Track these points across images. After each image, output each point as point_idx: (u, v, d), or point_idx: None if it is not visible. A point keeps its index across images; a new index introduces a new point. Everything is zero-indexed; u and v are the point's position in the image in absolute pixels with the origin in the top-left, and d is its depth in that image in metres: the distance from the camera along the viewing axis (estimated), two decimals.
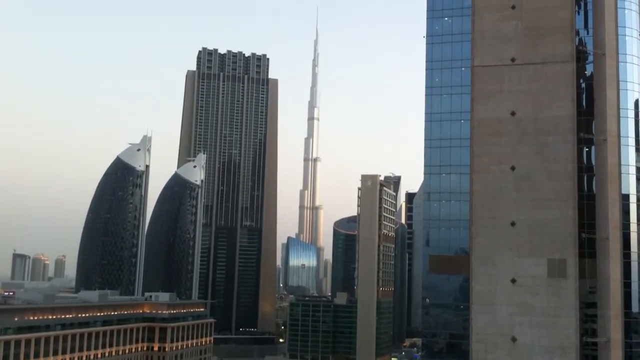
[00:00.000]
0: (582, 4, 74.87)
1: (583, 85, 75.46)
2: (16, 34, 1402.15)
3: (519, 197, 75.19)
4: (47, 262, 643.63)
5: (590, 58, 74.75)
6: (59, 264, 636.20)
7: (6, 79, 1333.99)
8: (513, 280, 75.71)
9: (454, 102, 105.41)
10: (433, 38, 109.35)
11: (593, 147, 74.97)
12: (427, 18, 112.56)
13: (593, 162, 75.54)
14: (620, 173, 74.43)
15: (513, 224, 75.51)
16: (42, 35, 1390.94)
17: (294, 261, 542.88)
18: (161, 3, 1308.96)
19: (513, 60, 74.68)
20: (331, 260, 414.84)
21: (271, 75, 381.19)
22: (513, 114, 74.86)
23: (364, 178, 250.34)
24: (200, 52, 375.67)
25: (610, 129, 72.78)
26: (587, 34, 74.96)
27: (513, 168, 75.04)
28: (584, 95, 75.35)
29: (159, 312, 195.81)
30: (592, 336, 75.12)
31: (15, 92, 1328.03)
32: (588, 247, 74.52)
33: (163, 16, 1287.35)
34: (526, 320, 75.83)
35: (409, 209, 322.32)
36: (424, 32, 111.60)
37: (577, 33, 74.34)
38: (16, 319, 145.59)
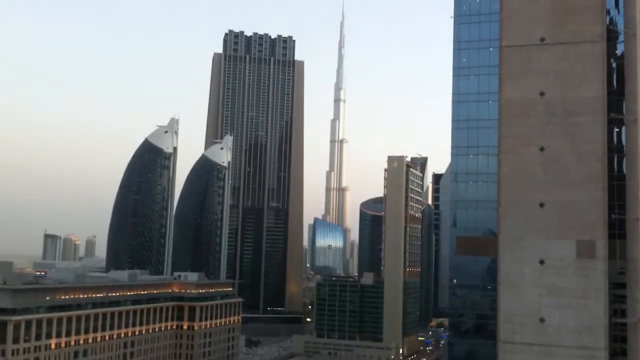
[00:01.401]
0: None
1: (614, 65, 74.23)
2: (43, 18, 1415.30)
3: (547, 178, 74.48)
4: (77, 242, 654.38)
5: (621, 38, 73.50)
6: (90, 245, 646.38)
7: (38, 61, 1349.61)
8: (541, 262, 75.29)
9: (481, 82, 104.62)
10: (461, 18, 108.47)
11: (623, 128, 74.05)
12: None
13: (623, 142, 74.62)
14: None
15: (542, 205, 74.89)
16: (70, 20, 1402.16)
17: (321, 242, 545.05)
18: None
19: (542, 40, 73.54)
20: (358, 241, 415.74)
21: (297, 57, 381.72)
22: (542, 94, 73.87)
23: (390, 159, 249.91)
24: (226, 34, 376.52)
25: None
26: (618, 13, 73.70)
27: (542, 149, 74.26)
28: (615, 75, 74.22)
29: (188, 291, 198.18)
30: (621, 317, 74.66)
31: (40, 77, 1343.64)
32: (619, 228, 73.82)
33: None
34: (554, 302, 75.46)
35: (436, 190, 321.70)
36: (451, 12, 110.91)
37: (608, 12, 73.11)
38: (48, 298, 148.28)
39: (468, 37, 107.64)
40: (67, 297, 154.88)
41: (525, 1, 74.47)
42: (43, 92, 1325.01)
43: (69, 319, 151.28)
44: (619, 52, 74.27)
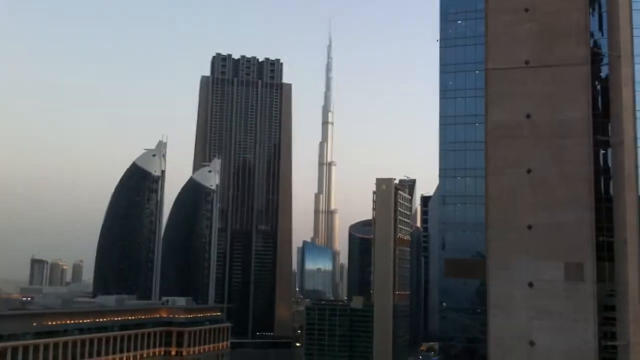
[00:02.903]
0: (597, 6, 74.32)
1: (599, 87, 74.76)
2: (25, 42, 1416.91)
3: (535, 200, 74.51)
4: (65, 267, 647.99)
5: (606, 60, 74.10)
6: (77, 269, 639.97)
7: (18, 86, 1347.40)
8: (530, 284, 75.02)
9: (468, 105, 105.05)
10: (446, 41, 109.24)
11: (609, 150, 74.33)
12: (441, 21, 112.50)
13: (610, 164, 74.85)
14: (637, 175, 73.60)
15: (530, 227, 74.80)
16: (55, 41, 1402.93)
17: (310, 265, 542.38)
18: (175, 9, 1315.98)
19: (527, 62, 74.03)
20: (347, 264, 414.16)
21: (285, 80, 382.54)
22: (528, 116, 74.21)
23: (379, 182, 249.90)
24: (214, 57, 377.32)
25: (626, 131, 72.03)
26: (602, 35, 74.37)
27: (529, 171, 74.38)
28: (600, 98, 74.73)
29: (176, 316, 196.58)
30: (611, 339, 74.34)
31: (30, 99, 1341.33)
32: (607, 251, 73.80)
33: (177, 22, 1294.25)
34: (544, 325, 75.08)
35: (424, 213, 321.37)
36: (437, 35, 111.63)
37: (592, 35, 73.78)
38: (34, 324, 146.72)
39: (454, 59, 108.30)
40: (54, 322, 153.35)
41: (510, 24, 75.05)
42: (29, 115, 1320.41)
43: (56, 345, 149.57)
44: (603, 74, 74.87)
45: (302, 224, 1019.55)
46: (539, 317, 75.04)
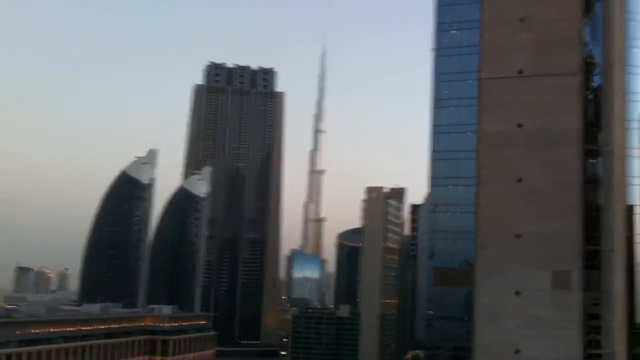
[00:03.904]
0: (591, 15, 75.05)
1: (591, 96, 75.37)
2: (14, 48, 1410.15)
3: (525, 209, 74.68)
4: (50, 275, 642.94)
5: (598, 69, 74.77)
6: (62, 277, 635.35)
7: (7, 94, 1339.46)
8: (517, 293, 75.09)
9: (461, 114, 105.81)
10: (441, 51, 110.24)
11: (599, 159, 74.87)
12: (436, 31, 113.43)
13: (599, 173, 75.41)
14: (625, 185, 74.14)
15: (518, 236, 75.00)
16: (46, 49, 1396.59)
17: (298, 273, 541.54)
18: (168, 18, 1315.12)
19: (520, 72, 74.49)
20: (335, 273, 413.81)
21: (278, 88, 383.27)
22: (520, 125, 74.62)
23: (369, 190, 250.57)
24: (207, 66, 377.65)
25: (616, 140, 72.54)
26: (596, 45, 75.07)
27: (520, 180, 74.73)
28: (592, 107, 75.37)
29: (161, 325, 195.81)
30: (596, 348, 74.61)
31: (18, 107, 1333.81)
32: (594, 259, 74.19)
33: (170, 30, 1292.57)
34: (532, 333, 75.11)
35: (414, 221, 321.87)
36: (431, 45, 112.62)
37: (586, 45, 74.46)
38: (18, 332, 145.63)
39: (448, 69, 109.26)
40: (38, 331, 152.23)
41: (504, 34, 75.51)
42: (12, 121, 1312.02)
43: (40, 353, 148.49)
44: (595, 83, 75.46)
45: (291, 232, 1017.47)
46: (526, 326, 75.08)
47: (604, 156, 73.92)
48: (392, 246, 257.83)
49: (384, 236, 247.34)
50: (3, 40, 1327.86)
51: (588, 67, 74.11)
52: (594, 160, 75.09)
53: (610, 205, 73.22)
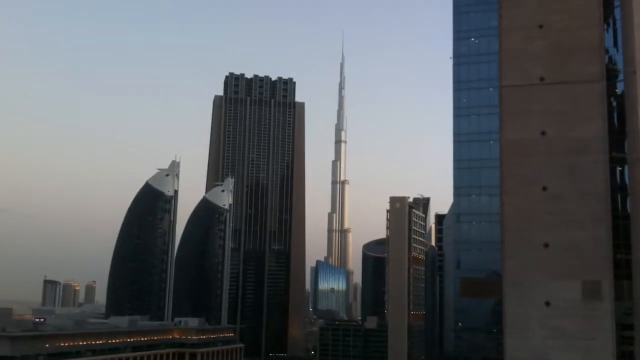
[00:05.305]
0: (611, 21, 73.95)
1: (614, 103, 74.12)
2: (33, 58, 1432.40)
3: (551, 218, 73.62)
4: (77, 288, 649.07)
5: (621, 76, 73.52)
6: (90, 290, 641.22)
7: (28, 109, 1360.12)
8: (547, 303, 73.89)
9: (482, 122, 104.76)
10: (460, 59, 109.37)
11: (626, 167, 73.50)
12: (454, 39, 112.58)
13: (627, 181, 73.99)
14: None
15: (546, 245, 73.84)
16: (63, 60, 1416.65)
17: (323, 285, 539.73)
18: (188, 29, 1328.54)
19: (542, 79, 73.55)
20: (360, 284, 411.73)
21: (297, 98, 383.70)
22: (543, 133, 73.59)
23: (393, 200, 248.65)
24: (227, 77, 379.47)
25: None
26: (617, 51, 73.87)
27: (544, 189, 73.59)
28: (615, 114, 74.07)
29: (189, 337, 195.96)
30: (629, 359, 72.96)
31: (39, 122, 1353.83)
32: (625, 268, 72.69)
33: (190, 41, 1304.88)
34: (561, 344, 73.85)
35: (439, 231, 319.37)
36: (450, 53, 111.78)
37: (607, 51, 73.32)
38: (47, 345, 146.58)
39: (467, 77, 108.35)
40: (66, 344, 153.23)
41: (524, 41, 74.71)
42: (41, 134, 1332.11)
43: None
44: (618, 90, 74.23)
45: (315, 243, 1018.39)
46: (555, 337, 73.83)
47: (631, 164, 72.61)
48: (418, 257, 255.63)
49: (409, 247, 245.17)
50: (29, 45, 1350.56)
51: (610, 74, 72.97)
52: (620, 168, 73.81)
53: (639, 213, 71.80)
